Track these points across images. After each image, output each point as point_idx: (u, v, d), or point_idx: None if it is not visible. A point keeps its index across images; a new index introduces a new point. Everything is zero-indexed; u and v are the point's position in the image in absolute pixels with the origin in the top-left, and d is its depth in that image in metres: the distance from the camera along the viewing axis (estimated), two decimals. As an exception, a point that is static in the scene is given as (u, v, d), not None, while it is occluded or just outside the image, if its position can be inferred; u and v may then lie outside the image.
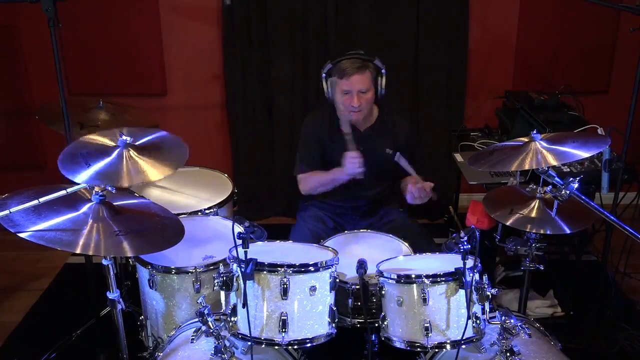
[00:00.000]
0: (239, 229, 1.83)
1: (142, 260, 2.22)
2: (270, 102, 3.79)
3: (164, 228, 1.89)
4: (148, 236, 1.81)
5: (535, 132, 2.10)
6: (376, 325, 2.00)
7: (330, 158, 2.67)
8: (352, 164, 2.50)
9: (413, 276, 1.87)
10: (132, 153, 1.93)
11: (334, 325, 1.92)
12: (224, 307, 1.92)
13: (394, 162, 2.49)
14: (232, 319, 1.88)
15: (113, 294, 1.93)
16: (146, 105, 3.48)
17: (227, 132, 3.91)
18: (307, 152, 2.75)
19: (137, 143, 1.98)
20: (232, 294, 1.89)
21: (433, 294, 1.86)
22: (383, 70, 2.57)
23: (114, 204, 1.85)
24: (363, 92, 2.52)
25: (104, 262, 1.87)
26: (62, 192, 1.74)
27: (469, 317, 1.84)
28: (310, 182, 2.72)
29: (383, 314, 1.97)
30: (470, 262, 1.83)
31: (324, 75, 2.59)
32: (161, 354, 2.03)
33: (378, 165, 2.69)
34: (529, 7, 3.69)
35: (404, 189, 2.63)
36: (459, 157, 3.17)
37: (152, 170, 1.92)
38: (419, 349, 1.89)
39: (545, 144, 2.07)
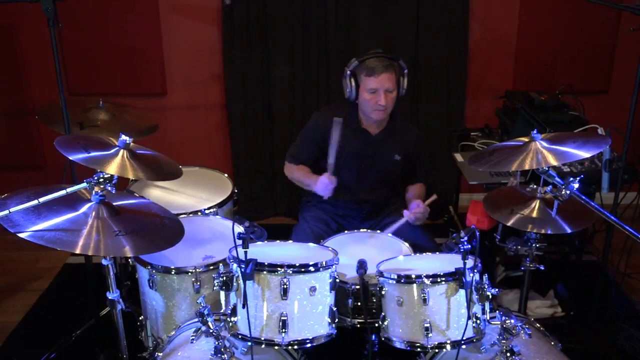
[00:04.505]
0: (239, 229, 1.83)
1: (142, 260, 2.22)
2: (270, 102, 3.79)
3: (164, 228, 1.89)
4: (148, 236, 1.81)
5: (535, 132, 2.09)
6: (376, 325, 2.00)
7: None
8: (325, 189, 2.55)
9: (413, 276, 1.87)
10: (131, 155, 1.94)
11: (334, 325, 1.92)
12: (224, 307, 1.92)
13: (399, 168, 2.48)
14: (232, 319, 1.88)
15: (113, 294, 1.92)
16: (146, 105, 3.48)
17: (227, 132, 3.91)
18: (303, 146, 2.76)
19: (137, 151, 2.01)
20: (232, 294, 1.89)
21: (433, 294, 1.86)
22: (405, 71, 2.57)
23: (114, 204, 1.85)
24: (390, 91, 2.51)
25: (104, 262, 1.87)
26: (62, 192, 1.74)
27: (469, 317, 1.84)
28: (293, 174, 2.79)
29: (383, 314, 1.97)
30: (470, 262, 1.83)
31: (348, 73, 2.55)
32: (161, 354, 2.03)
33: (385, 171, 2.69)
34: (529, 7, 3.69)
35: (408, 200, 2.62)
36: (459, 157, 3.17)
37: (147, 171, 1.95)
38: (419, 349, 1.89)
39: (545, 144, 2.06)
